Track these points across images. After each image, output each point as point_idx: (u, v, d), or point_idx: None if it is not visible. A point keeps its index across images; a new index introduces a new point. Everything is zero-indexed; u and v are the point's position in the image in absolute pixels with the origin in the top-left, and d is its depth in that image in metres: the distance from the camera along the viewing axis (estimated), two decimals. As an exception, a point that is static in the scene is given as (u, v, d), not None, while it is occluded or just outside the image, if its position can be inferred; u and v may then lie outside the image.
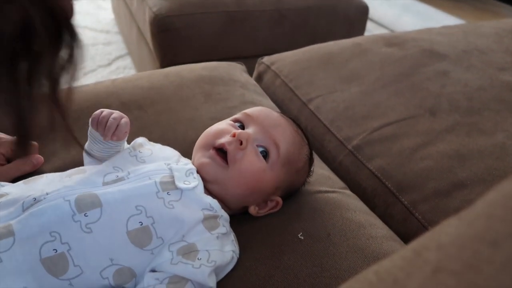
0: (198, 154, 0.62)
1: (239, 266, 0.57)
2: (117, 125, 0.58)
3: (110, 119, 0.58)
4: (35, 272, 0.47)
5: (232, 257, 0.56)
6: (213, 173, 0.59)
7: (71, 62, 0.34)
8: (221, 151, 0.60)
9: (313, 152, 0.74)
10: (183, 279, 0.50)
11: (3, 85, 0.31)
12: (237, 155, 0.59)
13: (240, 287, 0.55)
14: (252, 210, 0.62)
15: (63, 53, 0.33)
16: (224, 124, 0.64)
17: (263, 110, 0.66)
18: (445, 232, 0.21)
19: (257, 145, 0.61)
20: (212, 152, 0.60)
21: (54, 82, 0.33)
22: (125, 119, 0.59)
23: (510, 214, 0.16)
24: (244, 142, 0.59)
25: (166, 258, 0.51)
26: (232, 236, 0.58)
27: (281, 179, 0.62)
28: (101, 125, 0.58)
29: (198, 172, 0.59)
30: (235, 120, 0.65)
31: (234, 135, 0.60)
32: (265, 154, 0.61)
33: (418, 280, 0.19)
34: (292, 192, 0.67)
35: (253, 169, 0.59)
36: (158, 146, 0.67)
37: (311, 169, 0.69)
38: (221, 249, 0.54)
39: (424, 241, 0.22)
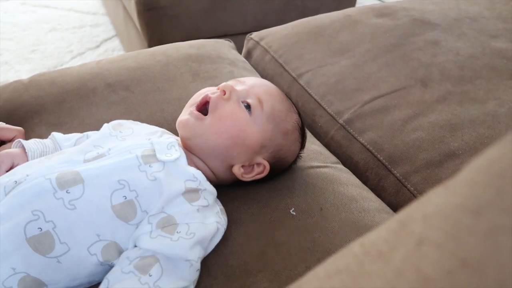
0: (181, 114, 0.62)
1: (231, 242, 0.57)
2: None
3: None
4: (22, 252, 0.47)
5: (218, 229, 0.55)
6: (191, 127, 0.58)
7: None
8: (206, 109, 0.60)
9: (305, 129, 0.73)
10: (152, 258, 0.49)
11: None
12: (219, 103, 0.58)
13: (233, 264, 0.55)
14: (237, 170, 0.60)
15: None
16: (213, 87, 0.64)
17: (254, 77, 0.66)
18: (431, 202, 0.20)
19: (241, 102, 0.60)
20: (191, 108, 0.60)
21: None
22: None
23: (494, 180, 0.15)
24: (227, 93, 0.58)
25: (145, 230, 0.50)
26: (217, 208, 0.57)
27: (267, 137, 0.60)
28: None
29: (179, 132, 0.60)
30: None
31: (218, 89, 0.60)
32: (249, 109, 0.60)
33: (402, 252, 0.18)
34: (283, 163, 0.65)
35: (233, 116, 0.58)
36: (141, 125, 0.66)
37: (304, 141, 0.68)
38: (202, 221, 0.53)
39: (410, 211, 0.21)
